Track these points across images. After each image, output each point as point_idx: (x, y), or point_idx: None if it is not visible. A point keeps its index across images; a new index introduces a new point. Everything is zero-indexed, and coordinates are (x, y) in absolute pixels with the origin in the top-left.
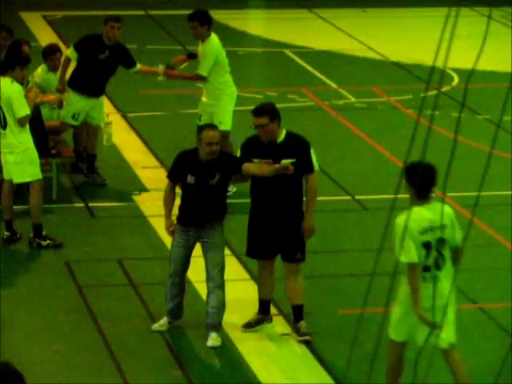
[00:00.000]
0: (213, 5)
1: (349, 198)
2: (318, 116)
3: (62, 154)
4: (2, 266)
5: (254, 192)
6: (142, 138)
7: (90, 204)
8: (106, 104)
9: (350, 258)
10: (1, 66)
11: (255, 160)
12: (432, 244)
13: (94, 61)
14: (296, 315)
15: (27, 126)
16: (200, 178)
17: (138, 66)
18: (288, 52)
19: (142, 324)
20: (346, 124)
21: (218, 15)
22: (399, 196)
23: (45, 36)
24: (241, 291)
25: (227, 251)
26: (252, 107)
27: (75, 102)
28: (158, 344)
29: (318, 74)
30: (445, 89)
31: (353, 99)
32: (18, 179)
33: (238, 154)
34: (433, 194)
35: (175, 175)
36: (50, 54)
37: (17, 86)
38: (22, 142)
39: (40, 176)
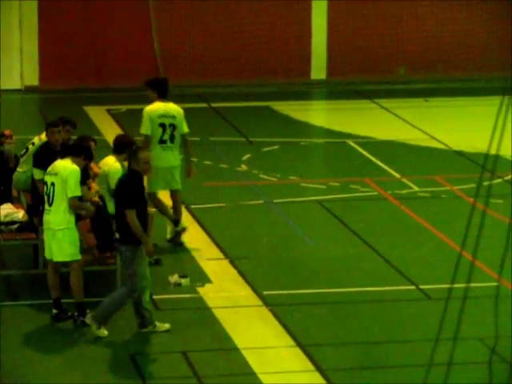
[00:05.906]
0: (275, 96)
1: (413, 287)
2: (381, 206)
3: None
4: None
5: None
6: (205, 230)
7: (155, 297)
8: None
9: (415, 347)
10: (67, 149)
11: None
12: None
13: None
14: None
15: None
16: None
17: None
18: (350, 142)
19: None
20: (409, 213)
21: (280, 106)
22: (473, 285)
23: (109, 129)
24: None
25: (293, 342)
26: (315, 197)
27: None
28: None
29: (381, 164)
30: (508, 177)
31: (416, 188)
32: (57, 258)
33: None
34: None
35: None
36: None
37: (75, 167)
38: (66, 221)
39: (79, 257)
